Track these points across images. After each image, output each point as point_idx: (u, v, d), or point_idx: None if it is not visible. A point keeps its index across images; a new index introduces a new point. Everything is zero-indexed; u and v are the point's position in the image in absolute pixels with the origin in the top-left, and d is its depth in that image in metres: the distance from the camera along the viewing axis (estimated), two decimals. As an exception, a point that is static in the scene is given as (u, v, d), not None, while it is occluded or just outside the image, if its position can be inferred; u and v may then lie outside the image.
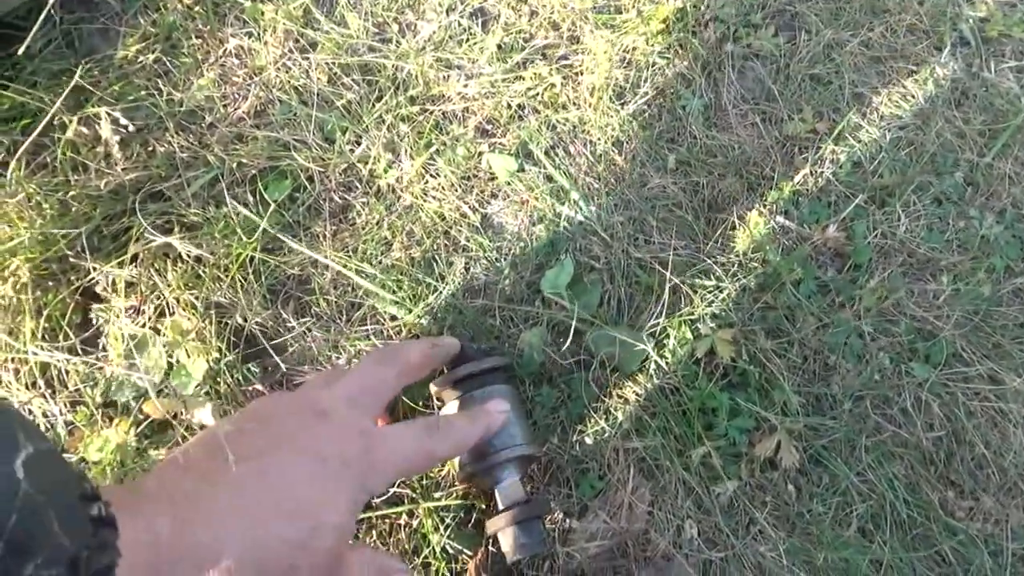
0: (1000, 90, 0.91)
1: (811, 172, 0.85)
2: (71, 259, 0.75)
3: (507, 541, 0.64)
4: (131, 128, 0.80)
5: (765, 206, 0.82)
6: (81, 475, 0.37)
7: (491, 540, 0.69)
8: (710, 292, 0.78)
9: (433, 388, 0.70)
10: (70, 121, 0.79)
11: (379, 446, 0.51)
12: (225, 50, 0.89)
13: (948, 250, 0.82)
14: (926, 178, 0.85)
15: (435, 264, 0.80)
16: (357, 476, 0.48)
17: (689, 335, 0.74)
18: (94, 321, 0.75)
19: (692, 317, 0.76)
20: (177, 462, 0.46)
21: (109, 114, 0.79)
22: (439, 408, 0.71)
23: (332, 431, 0.50)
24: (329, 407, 0.52)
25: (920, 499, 0.71)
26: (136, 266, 0.76)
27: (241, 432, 0.48)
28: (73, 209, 0.76)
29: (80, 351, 0.73)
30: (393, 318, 0.77)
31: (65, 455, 0.69)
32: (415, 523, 0.69)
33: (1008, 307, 0.79)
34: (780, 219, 0.81)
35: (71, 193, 0.76)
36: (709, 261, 0.79)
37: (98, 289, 0.76)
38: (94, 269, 0.75)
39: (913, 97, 0.91)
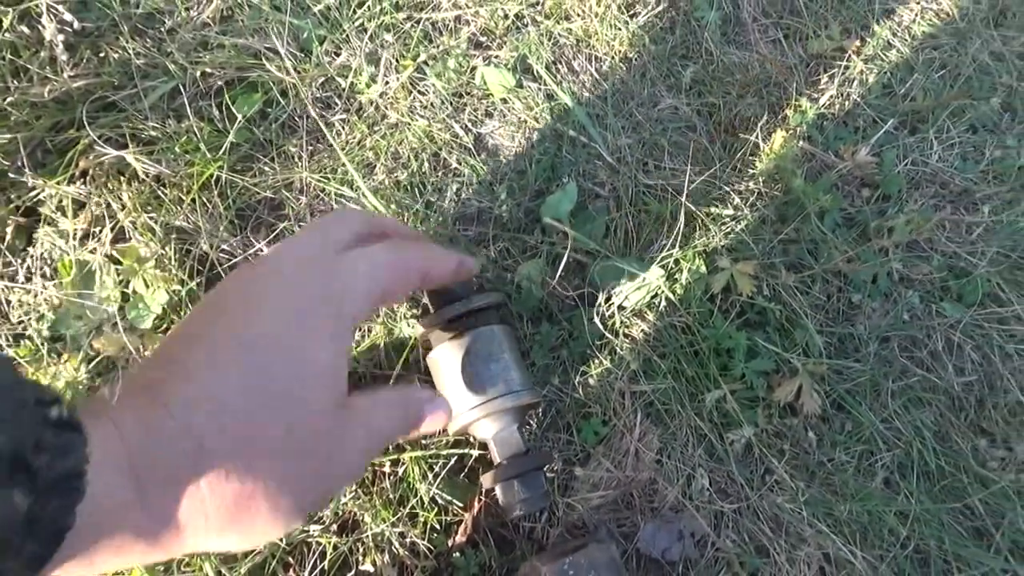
0: (1043, 9, 0.84)
1: (837, 94, 0.78)
2: (11, 175, 0.66)
3: (506, 496, 0.57)
4: (76, 26, 0.70)
5: (787, 130, 0.75)
6: (35, 382, 0.31)
7: (487, 492, 0.63)
8: (727, 222, 0.71)
9: (418, 330, 0.63)
10: (8, 17, 0.69)
11: (343, 264, 0.42)
12: (186, -55, 0.79)
13: (984, 181, 0.75)
14: (961, 103, 0.78)
15: (423, 189, 0.72)
16: (326, 302, 0.40)
17: (703, 268, 0.67)
18: (40, 246, 0.67)
19: (707, 249, 0.69)
20: (140, 366, 0.40)
21: (52, 9, 0.69)
22: (424, 353, 0.64)
23: (282, 267, 0.41)
24: (280, 248, 0.44)
25: (949, 448, 0.66)
26: (86, 184, 0.67)
27: (195, 314, 0.41)
28: (12, 118, 0.67)
29: (24, 278, 0.65)
30: (376, 248, 0.69)
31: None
32: (400, 470, 0.63)
33: (1048, 243, 0.72)
34: (803, 144, 0.74)
35: (9, 100, 0.67)
36: (726, 188, 0.72)
37: (44, 210, 0.67)
38: (36, 186, 0.66)
39: (948, 15, 0.83)
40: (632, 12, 0.80)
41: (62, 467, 0.29)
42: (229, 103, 0.72)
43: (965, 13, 0.83)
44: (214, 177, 0.69)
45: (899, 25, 0.82)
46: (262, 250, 0.68)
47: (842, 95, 0.78)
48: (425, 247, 0.50)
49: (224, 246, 0.68)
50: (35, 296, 0.64)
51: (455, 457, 0.64)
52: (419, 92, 0.75)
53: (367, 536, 0.61)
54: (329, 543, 0.60)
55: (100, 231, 0.67)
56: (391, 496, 0.62)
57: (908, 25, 0.82)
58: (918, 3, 0.83)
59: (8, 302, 0.64)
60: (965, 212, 0.74)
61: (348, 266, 0.43)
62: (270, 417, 0.36)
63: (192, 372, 0.36)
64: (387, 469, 0.63)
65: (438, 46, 0.77)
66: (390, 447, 0.63)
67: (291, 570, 0.60)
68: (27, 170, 0.66)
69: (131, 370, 0.39)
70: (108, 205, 0.67)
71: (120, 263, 0.66)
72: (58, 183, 0.66)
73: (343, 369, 0.39)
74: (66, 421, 0.30)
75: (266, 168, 0.71)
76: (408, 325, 0.66)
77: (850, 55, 0.79)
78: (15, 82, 0.69)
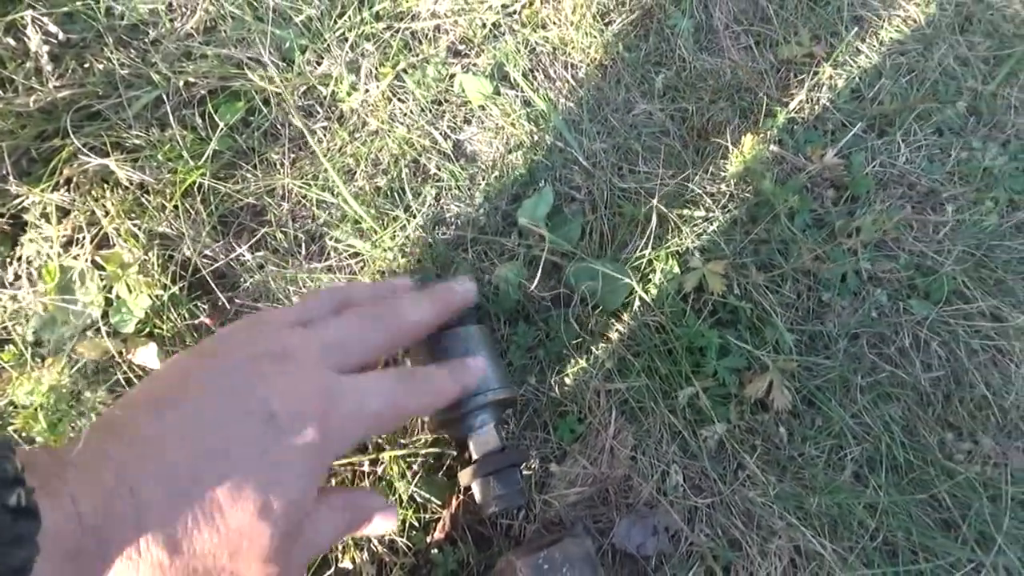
0: (1006, 15, 0.86)
1: (807, 98, 0.79)
2: (-4, 183, 0.68)
3: (482, 493, 0.58)
4: (61, 37, 0.72)
5: (758, 133, 0.77)
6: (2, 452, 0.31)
7: (465, 489, 0.64)
8: (699, 223, 0.72)
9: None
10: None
11: (343, 402, 0.43)
12: (170, -42, 0.80)
13: (950, 182, 0.77)
14: (927, 107, 0.80)
15: (402, 194, 0.73)
16: (314, 441, 0.40)
17: (676, 269, 0.69)
18: (24, 252, 0.68)
19: (679, 249, 0.71)
20: (109, 420, 0.39)
21: (38, 21, 0.70)
22: (404, 353, 0.65)
23: (290, 383, 0.41)
24: (293, 350, 0.43)
25: (917, 441, 0.67)
26: (70, 191, 0.69)
27: (184, 374, 0.41)
28: (-3, 128, 0.68)
29: (8, 284, 0.66)
30: (356, 253, 0.71)
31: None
32: (380, 470, 0.64)
33: (1012, 241, 0.74)
34: (774, 147, 0.76)
35: (-6, 110, 0.69)
36: (698, 191, 0.73)
37: (28, 217, 0.68)
38: (21, 194, 0.67)
39: (915, 21, 0.85)
40: (607, 20, 0.82)
41: (14, 559, 0.29)
42: (212, 112, 0.74)
43: (931, 20, 0.85)
44: (197, 184, 0.70)
45: (867, 31, 0.84)
46: (244, 255, 0.70)
47: (811, 100, 0.80)
48: (434, 380, 0.51)
49: (207, 251, 0.69)
50: (19, 301, 0.66)
51: (433, 455, 0.65)
52: (399, 100, 0.77)
53: (347, 534, 0.62)
54: (309, 541, 0.61)
55: (84, 237, 0.68)
56: (371, 494, 0.63)
57: (876, 31, 0.84)
58: (886, 10, 0.85)
59: (-7, 308, 0.65)
60: (932, 212, 0.76)
61: (346, 398, 0.43)
62: (215, 548, 0.36)
63: (146, 462, 0.36)
64: (366, 468, 0.64)
65: (417, 55, 0.79)
66: (369, 445, 0.64)
67: (272, 568, 0.61)
68: (12, 178, 0.67)
69: (98, 430, 0.38)
70: (92, 212, 0.69)
71: (103, 269, 0.67)
72: (42, 191, 0.68)
73: (306, 506, 0.40)
74: (24, 508, 0.30)
75: (248, 175, 0.73)
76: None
77: (819, 61, 0.81)
78: (1, 92, 0.70)
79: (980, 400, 0.69)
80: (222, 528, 0.36)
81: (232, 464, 0.37)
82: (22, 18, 0.71)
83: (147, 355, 0.65)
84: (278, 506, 0.38)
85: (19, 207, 0.68)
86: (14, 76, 0.71)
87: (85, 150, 0.69)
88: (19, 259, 0.67)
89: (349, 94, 0.77)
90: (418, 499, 0.63)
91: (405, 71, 0.78)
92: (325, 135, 0.75)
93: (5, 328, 0.65)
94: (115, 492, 0.34)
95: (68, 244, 0.68)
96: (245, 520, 0.37)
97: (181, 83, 0.74)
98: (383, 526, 0.47)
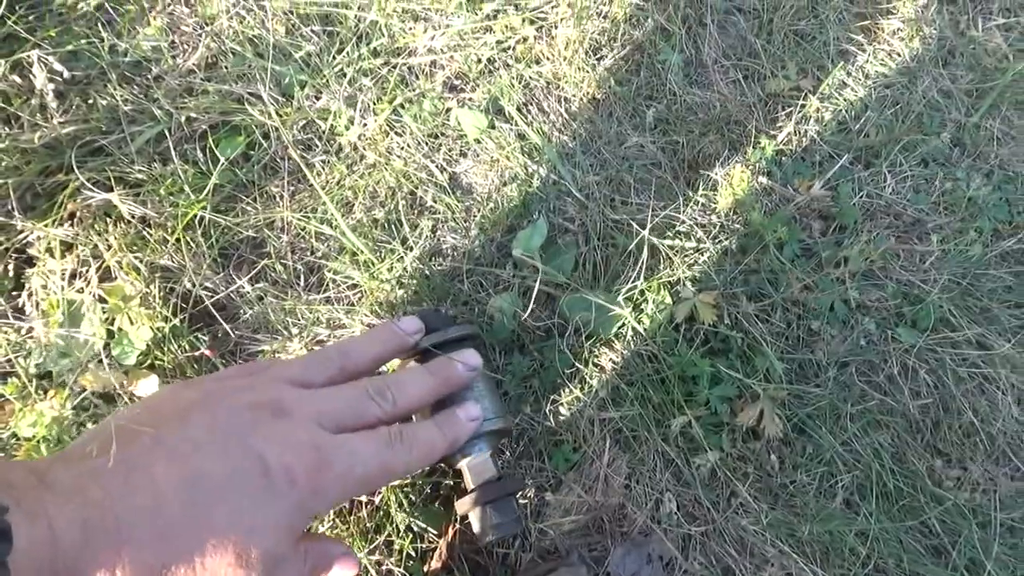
0: (987, 48, 0.88)
1: (795, 131, 0.81)
2: (1, 218, 0.69)
3: (479, 522, 0.59)
4: (66, 75, 0.73)
5: (747, 166, 0.78)
6: None
7: (462, 518, 0.64)
8: (690, 254, 0.74)
9: (395, 362, 0.65)
10: (0, 67, 0.73)
11: (332, 462, 0.45)
12: (172, -3, 0.82)
13: (935, 212, 0.79)
14: (912, 138, 0.82)
15: (399, 226, 0.75)
16: (300, 497, 0.43)
17: (668, 299, 0.70)
18: (27, 285, 0.69)
19: (671, 280, 0.72)
20: (103, 440, 0.40)
21: (43, 60, 0.72)
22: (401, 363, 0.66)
23: (286, 437, 0.44)
24: (290, 408, 0.46)
25: (907, 469, 0.68)
26: (74, 226, 0.70)
27: (181, 416, 0.43)
28: (3, 163, 0.70)
29: (11, 317, 0.67)
30: (354, 285, 0.72)
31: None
32: (377, 499, 0.65)
33: (996, 270, 0.76)
34: (762, 179, 0.78)
35: (0, 146, 0.70)
36: (689, 222, 0.75)
37: (32, 251, 0.70)
38: (26, 229, 0.69)
39: (899, 55, 0.87)
40: (599, 56, 0.84)
41: None
42: (213, 146, 0.75)
43: (915, 53, 0.87)
44: (198, 217, 0.72)
45: (853, 65, 0.87)
46: (244, 287, 0.71)
47: (799, 132, 0.82)
48: (423, 441, 0.53)
49: (207, 284, 0.71)
50: (22, 335, 0.67)
51: (430, 484, 0.66)
52: (396, 133, 0.79)
53: (345, 564, 0.62)
54: (307, 571, 0.62)
55: (87, 271, 0.69)
56: (368, 525, 0.64)
57: (861, 65, 0.87)
58: (871, 44, 0.88)
59: (-4, 341, 0.67)
60: (918, 242, 0.77)
61: (335, 459, 0.45)
62: (197, 555, 0.38)
63: (135, 497, 0.37)
64: (364, 499, 0.65)
65: (414, 89, 0.81)
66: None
67: (270, 598, 0.62)
68: (17, 213, 0.69)
69: (87, 459, 0.39)
70: (95, 246, 0.70)
71: (106, 301, 0.68)
72: (46, 226, 0.69)
73: (283, 556, 0.42)
74: None
75: (248, 208, 0.74)
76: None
77: (806, 94, 0.83)
78: (6, 129, 0.72)
79: (968, 427, 0.70)
80: (199, 572, 0.38)
81: (221, 513, 0.39)
82: (28, 56, 0.73)
83: (148, 387, 0.66)
84: (255, 555, 0.40)
85: (23, 242, 0.69)
86: (20, 113, 0.72)
87: (89, 185, 0.70)
88: (23, 293, 0.68)
89: (347, 128, 0.78)
90: (415, 528, 0.64)
91: (402, 105, 0.80)
92: (324, 168, 0.77)
93: (9, 361, 0.66)
94: (98, 520, 0.35)
95: (72, 277, 0.69)
96: (222, 567, 0.39)
97: (183, 118, 0.76)
98: (341, 574, 0.49)
